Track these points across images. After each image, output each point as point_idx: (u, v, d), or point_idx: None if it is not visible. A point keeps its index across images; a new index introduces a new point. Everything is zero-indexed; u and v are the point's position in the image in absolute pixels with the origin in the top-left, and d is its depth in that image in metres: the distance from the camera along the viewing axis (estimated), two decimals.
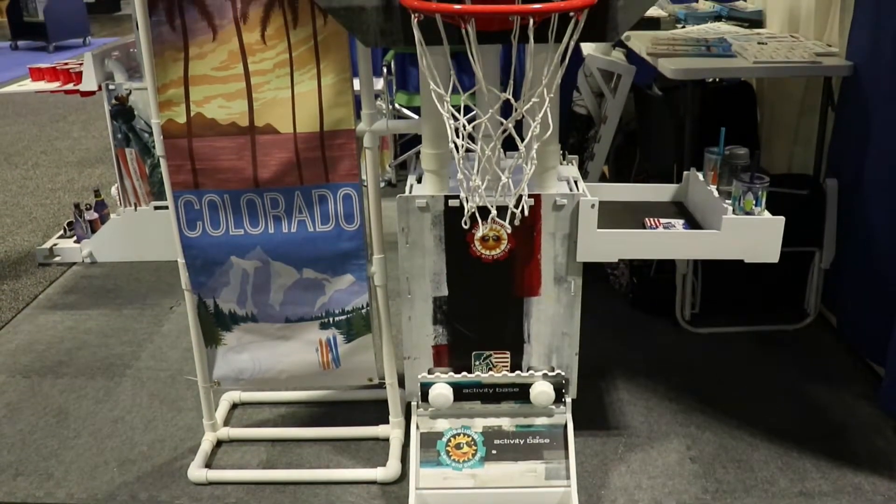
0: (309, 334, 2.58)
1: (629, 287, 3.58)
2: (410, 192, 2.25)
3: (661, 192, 2.67)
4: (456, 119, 1.79)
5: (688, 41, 3.35)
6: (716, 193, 2.38)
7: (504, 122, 1.80)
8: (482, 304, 2.34)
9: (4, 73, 9.58)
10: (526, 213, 1.97)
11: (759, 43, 3.32)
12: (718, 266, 3.26)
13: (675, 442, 2.72)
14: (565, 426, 2.43)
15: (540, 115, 1.77)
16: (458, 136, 1.78)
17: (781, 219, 2.26)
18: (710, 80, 3.59)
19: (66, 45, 11.09)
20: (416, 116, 4.72)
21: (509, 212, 1.97)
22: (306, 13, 2.24)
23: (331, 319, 2.55)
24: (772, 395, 2.94)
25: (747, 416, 2.82)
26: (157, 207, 4.16)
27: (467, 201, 1.96)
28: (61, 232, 4.53)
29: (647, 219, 2.45)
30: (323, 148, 2.33)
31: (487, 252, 2.26)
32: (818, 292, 3.32)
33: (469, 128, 1.78)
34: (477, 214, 2.01)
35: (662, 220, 2.45)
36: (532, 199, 2.15)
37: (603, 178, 4.17)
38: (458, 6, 1.66)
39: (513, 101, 1.82)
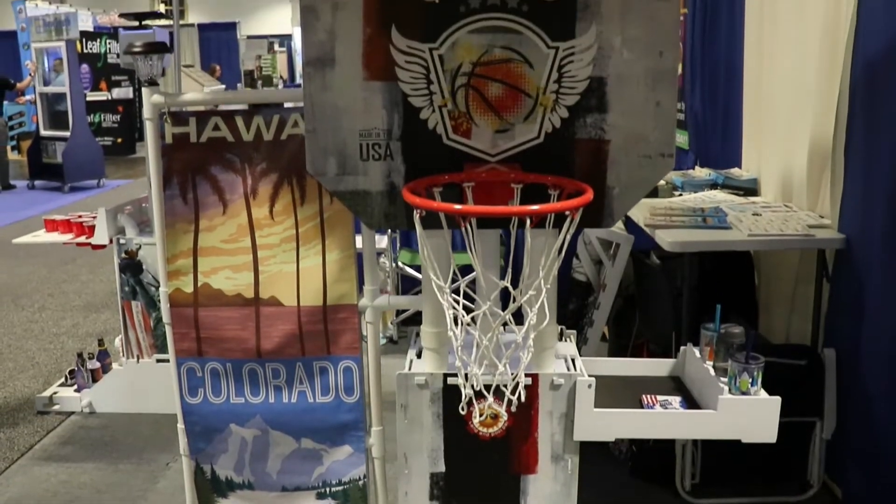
0: None
1: (629, 454, 3.55)
2: (410, 369, 2.28)
3: (658, 366, 2.69)
4: (456, 306, 1.84)
5: (685, 211, 3.44)
6: (712, 371, 2.40)
7: (501, 313, 1.85)
8: (479, 481, 2.33)
9: (21, 212, 9.80)
10: (522, 398, 1.99)
11: (753, 214, 3.41)
12: None
13: None
14: None
15: (537, 306, 1.82)
16: (456, 325, 1.83)
17: (777, 399, 2.28)
18: None
19: (80, 187, 11.37)
20: (419, 274, 4.85)
21: (506, 397, 1.99)
22: (314, 191, 2.34)
23: (328, 490, 2.53)
24: None
25: None
26: (159, 360, 4.18)
27: (464, 387, 1.98)
28: (62, 379, 4.54)
29: (644, 396, 2.46)
30: (325, 321, 2.38)
31: (485, 429, 2.27)
32: (821, 463, 3.28)
33: (467, 318, 1.83)
34: (473, 397, 2.03)
35: (660, 398, 2.46)
36: (529, 379, 2.17)
37: (602, 339, 4.20)
38: (458, 206, 1.74)
39: (511, 289, 1.88)
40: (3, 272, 7.14)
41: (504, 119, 2.05)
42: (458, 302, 1.87)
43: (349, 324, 2.39)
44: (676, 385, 2.59)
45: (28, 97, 13.32)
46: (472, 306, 2.03)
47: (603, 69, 2.03)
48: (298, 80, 18.74)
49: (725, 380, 2.34)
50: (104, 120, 14.51)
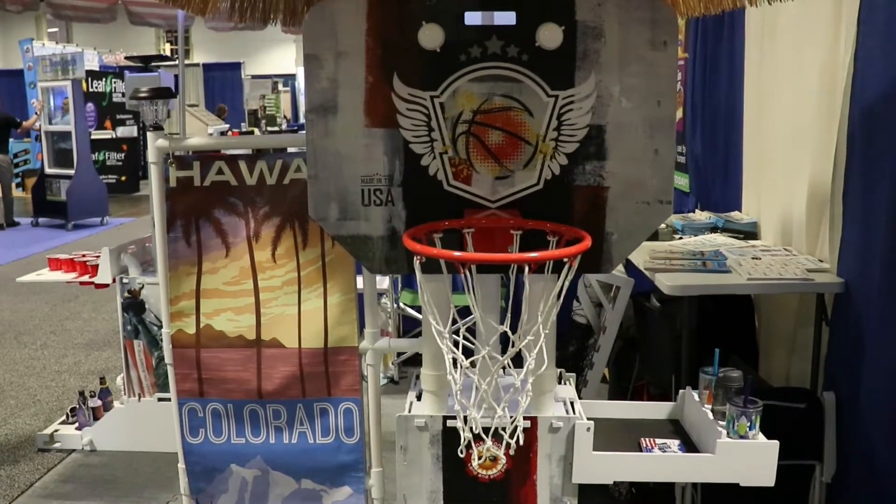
0: None
1: (628, 496, 3.55)
2: (410, 411, 2.30)
3: (657, 409, 2.71)
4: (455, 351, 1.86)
5: (685, 254, 3.47)
6: (710, 415, 2.41)
7: (500, 357, 1.87)
8: None
9: (24, 248, 9.85)
10: (521, 442, 2.01)
11: (753, 258, 3.44)
12: None
13: None
14: None
15: (535, 351, 1.84)
16: (455, 369, 1.85)
17: (775, 443, 2.29)
18: None
19: (84, 224, 11.43)
20: (420, 315, 4.87)
21: (504, 440, 2.00)
22: (316, 235, 2.37)
23: None
24: None
25: None
26: (160, 399, 4.19)
27: (463, 430, 2.00)
28: (63, 417, 4.54)
29: (642, 439, 2.47)
30: (326, 363, 2.41)
31: (484, 472, 2.28)
32: None
33: (466, 363, 1.85)
34: (472, 440, 2.04)
35: (658, 441, 2.47)
36: (528, 422, 2.19)
37: (603, 381, 4.21)
38: (458, 253, 1.77)
39: (510, 334, 1.90)
40: (5, 309, 7.17)
41: (504, 166, 2.09)
42: (457, 346, 1.89)
43: (350, 366, 2.41)
44: (675, 428, 2.61)
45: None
46: (472, 348, 2.06)
47: (602, 117, 2.07)
48: (302, 119, 18.90)
49: (724, 423, 2.36)
50: (108, 158, 14.67)
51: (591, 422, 2.24)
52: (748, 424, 2.32)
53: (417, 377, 2.38)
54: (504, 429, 2.05)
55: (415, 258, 1.86)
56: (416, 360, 4.00)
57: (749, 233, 4.02)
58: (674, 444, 2.47)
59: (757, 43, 4.00)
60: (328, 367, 2.41)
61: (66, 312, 7.03)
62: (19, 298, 7.47)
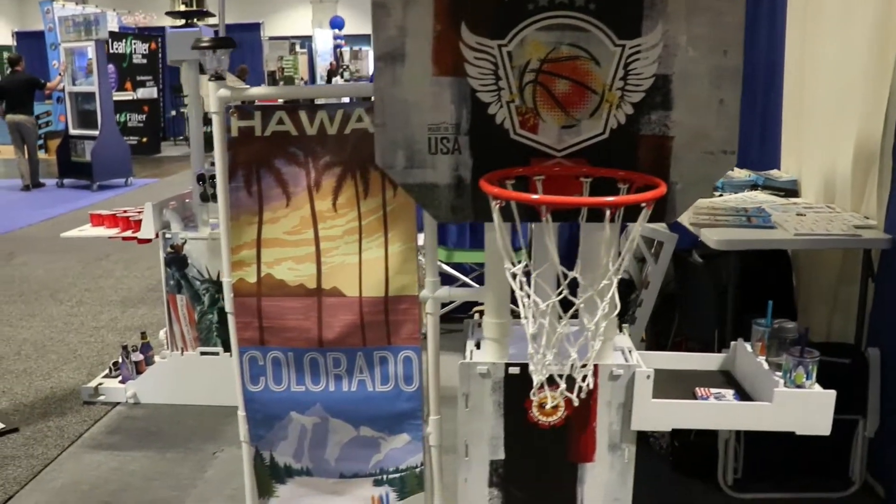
0: (362, 490, 2.61)
1: (669, 449, 3.59)
2: (471, 359, 2.33)
3: (707, 361, 2.73)
4: (529, 296, 1.89)
5: (728, 210, 3.48)
6: (765, 365, 2.44)
7: (576, 301, 1.90)
8: (537, 469, 2.38)
9: (51, 209, 9.93)
10: (591, 385, 2.04)
11: (797, 214, 3.45)
12: (762, 432, 3.29)
13: None
14: None
15: (608, 297, 1.87)
16: (530, 314, 1.88)
17: (832, 393, 2.32)
18: None
19: (109, 185, 11.50)
20: (454, 272, 4.90)
21: (577, 385, 2.03)
22: (377, 185, 2.39)
23: (385, 477, 2.58)
24: None
25: None
26: (203, 353, 4.25)
27: (536, 374, 2.03)
28: (106, 371, 4.61)
29: (697, 388, 2.50)
30: (387, 312, 2.43)
31: (545, 418, 2.32)
32: (863, 461, 3.31)
33: (543, 305, 1.88)
34: (545, 384, 2.07)
35: (713, 390, 2.50)
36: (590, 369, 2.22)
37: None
38: (535, 196, 1.79)
39: (580, 279, 1.92)
40: (39, 268, 7.25)
41: (570, 115, 2.10)
42: (525, 294, 1.91)
43: (410, 314, 2.43)
44: (727, 379, 2.63)
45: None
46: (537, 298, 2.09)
47: (668, 67, 2.08)
48: (319, 80, 18.83)
49: (780, 373, 2.38)
50: (129, 119, 14.71)
51: (651, 369, 2.27)
52: (805, 374, 2.35)
53: (479, 325, 2.41)
54: (566, 376, 2.09)
55: (493, 203, 1.89)
56: (448, 317, 4.06)
57: (789, 190, 4.02)
58: (728, 393, 2.50)
59: None
60: (388, 316, 2.44)
61: (98, 271, 7.10)
62: (52, 257, 7.55)
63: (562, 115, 2.10)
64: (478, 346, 2.44)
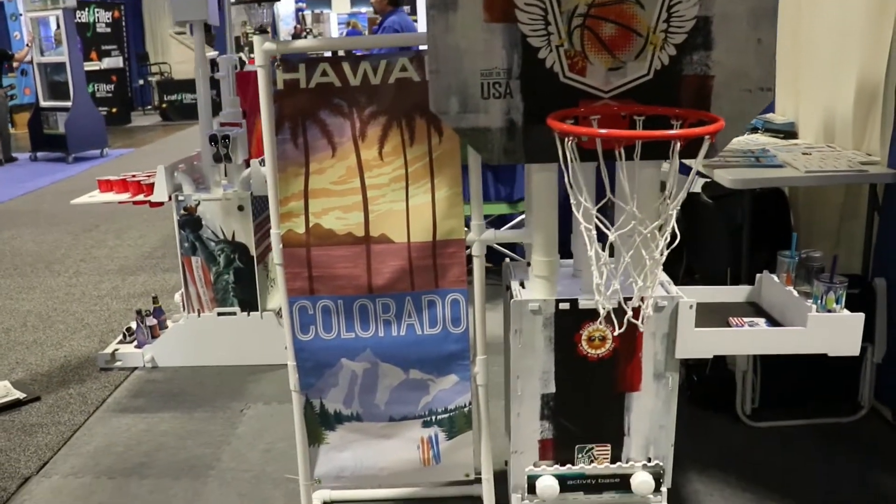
0: (411, 432, 2.70)
1: (686, 384, 3.73)
2: (520, 297, 2.42)
3: (733, 293, 2.86)
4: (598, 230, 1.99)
5: (735, 153, 3.59)
6: (795, 293, 2.56)
7: (643, 231, 2.00)
8: (586, 400, 2.49)
9: (28, 183, 9.82)
10: (651, 313, 2.15)
11: (803, 153, 3.57)
12: (776, 363, 3.44)
13: None
14: None
15: (669, 228, 1.97)
16: (597, 245, 1.98)
17: (861, 315, 2.45)
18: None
19: (84, 157, 11.37)
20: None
21: (642, 313, 2.14)
22: (423, 132, 2.46)
23: (433, 418, 2.68)
24: (838, 483, 3.08)
25: (824, 502, 2.95)
26: (220, 314, 4.30)
27: (602, 305, 2.14)
28: (120, 337, 4.65)
29: (731, 318, 2.63)
30: (434, 256, 2.51)
31: (593, 351, 2.43)
32: (871, 386, 3.48)
33: (613, 236, 1.98)
34: (613, 314, 2.17)
35: (745, 319, 2.63)
36: (638, 302, 2.32)
37: None
38: (604, 131, 1.88)
39: (637, 213, 2.02)
40: (28, 241, 7.20)
41: (617, 58, 2.18)
42: (595, 227, 2.01)
43: (457, 258, 2.52)
44: (755, 309, 2.76)
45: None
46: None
47: (708, 8, 2.17)
48: None
49: (811, 301, 2.51)
50: (98, 90, 14.49)
51: (694, 300, 2.38)
52: (835, 299, 2.48)
53: (529, 264, 2.49)
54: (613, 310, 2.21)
55: (567, 140, 1.97)
56: None
57: (788, 132, 4.14)
58: (760, 321, 2.63)
59: None
60: (436, 260, 2.52)
61: (90, 241, 7.08)
62: (39, 230, 7.51)
63: (608, 58, 2.18)
64: (522, 285, 2.53)
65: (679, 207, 3.90)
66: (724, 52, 2.19)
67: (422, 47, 2.35)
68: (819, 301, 2.49)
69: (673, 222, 1.99)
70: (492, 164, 2.31)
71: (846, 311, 2.48)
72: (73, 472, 3.42)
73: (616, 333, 2.31)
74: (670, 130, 1.99)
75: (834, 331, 2.45)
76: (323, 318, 2.59)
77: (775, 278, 2.71)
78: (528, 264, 2.45)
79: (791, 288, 2.61)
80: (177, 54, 16.00)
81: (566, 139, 1.96)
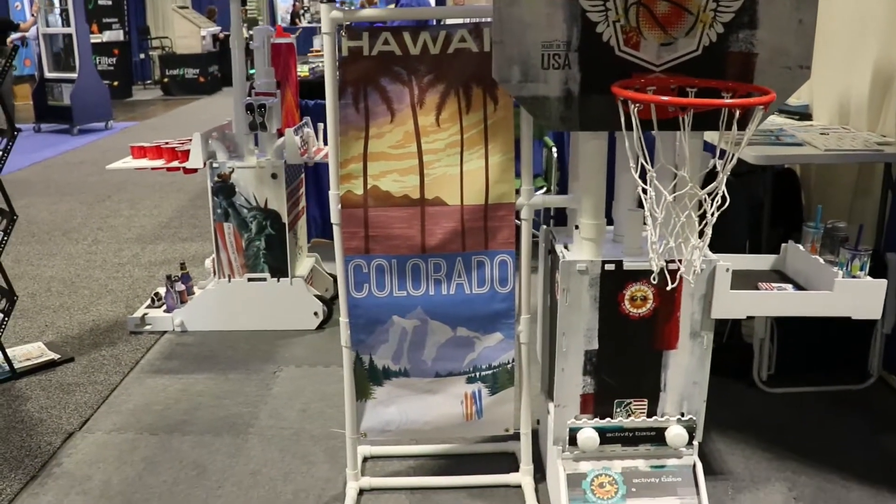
0: (456, 388, 2.85)
1: None
2: (566, 258, 2.57)
3: (759, 262, 3.03)
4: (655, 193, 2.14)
5: (755, 132, 3.74)
6: (822, 261, 2.73)
7: (700, 192, 2.16)
8: (626, 357, 2.65)
9: (34, 154, 9.88)
10: (699, 271, 2.31)
11: (821, 133, 3.73)
12: (792, 332, 3.62)
13: (777, 485, 3.02)
14: (694, 466, 2.73)
15: (720, 192, 2.13)
16: (655, 208, 2.14)
17: (884, 281, 2.62)
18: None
19: (89, 129, 11.42)
20: None
21: (692, 271, 2.30)
22: (479, 100, 2.60)
23: (477, 374, 2.83)
24: (852, 447, 3.26)
25: (836, 462, 3.14)
26: (251, 279, 4.44)
27: (656, 264, 2.30)
28: (148, 302, 4.77)
29: (760, 283, 2.79)
30: (486, 219, 2.66)
31: (635, 310, 2.58)
32: (880, 356, 3.66)
33: (671, 198, 2.14)
34: (666, 270, 2.32)
35: (774, 285, 2.79)
36: (677, 264, 2.48)
37: None
38: (666, 98, 2.03)
39: (687, 177, 2.18)
40: (42, 210, 7.29)
41: (668, 34, 2.33)
42: (653, 189, 2.17)
43: (507, 220, 2.66)
44: (781, 276, 2.92)
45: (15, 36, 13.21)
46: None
47: None
48: (280, 22, 18.79)
49: (836, 268, 2.67)
50: (100, 63, 14.49)
51: (730, 263, 2.54)
52: (860, 266, 2.65)
53: (578, 226, 2.64)
54: (658, 271, 2.37)
55: (632, 107, 2.12)
56: None
57: (803, 114, 4.31)
58: (788, 286, 2.80)
59: None
60: (487, 223, 2.66)
61: (105, 211, 7.19)
62: (52, 199, 7.60)
63: (661, 34, 2.33)
64: (566, 247, 2.68)
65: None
66: (768, 30, 2.34)
67: (482, 19, 2.50)
68: (845, 267, 2.66)
69: (723, 186, 2.14)
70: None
71: (869, 278, 2.65)
72: (116, 428, 3.56)
73: (669, 288, 2.47)
74: (728, 100, 2.14)
75: (858, 295, 2.62)
76: (377, 276, 2.73)
77: (801, 247, 2.87)
78: (577, 227, 2.59)
79: (817, 256, 2.78)
80: (179, 29, 16.01)
81: (633, 106, 2.11)
